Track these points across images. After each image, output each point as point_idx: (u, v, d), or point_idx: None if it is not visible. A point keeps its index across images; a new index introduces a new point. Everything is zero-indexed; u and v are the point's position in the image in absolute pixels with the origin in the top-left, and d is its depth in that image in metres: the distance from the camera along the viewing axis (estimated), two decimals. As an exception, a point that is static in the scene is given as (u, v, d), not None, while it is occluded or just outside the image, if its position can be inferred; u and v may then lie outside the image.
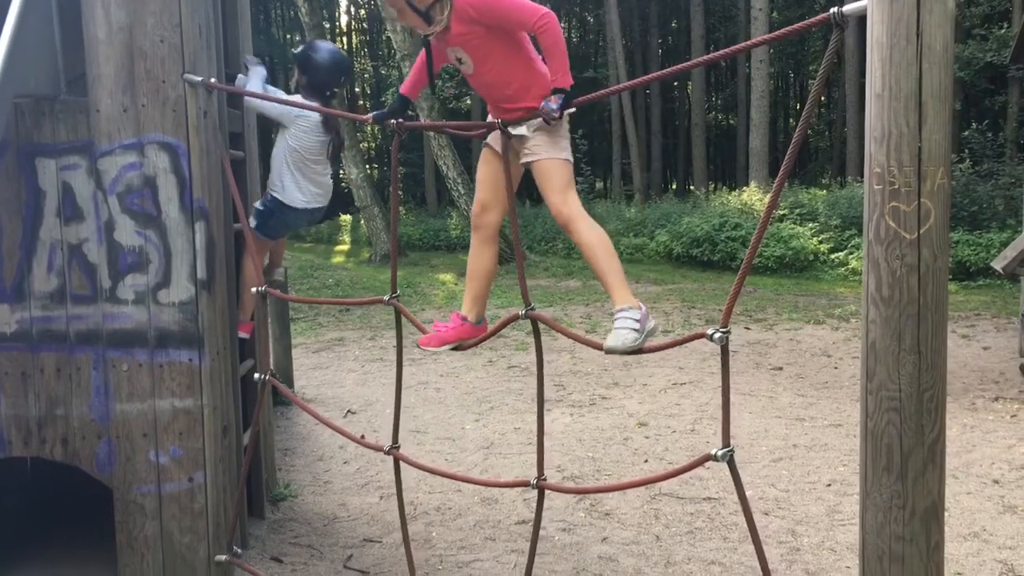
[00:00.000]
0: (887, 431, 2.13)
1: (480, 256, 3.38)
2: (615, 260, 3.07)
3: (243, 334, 4.34)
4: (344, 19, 38.15)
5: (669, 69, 2.94)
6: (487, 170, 3.31)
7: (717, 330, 2.46)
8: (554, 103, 2.96)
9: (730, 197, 19.87)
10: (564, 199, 3.08)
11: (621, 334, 2.90)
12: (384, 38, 35.48)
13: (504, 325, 3.13)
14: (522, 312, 3.11)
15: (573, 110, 3.09)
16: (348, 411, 7.10)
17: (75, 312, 3.63)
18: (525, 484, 3.12)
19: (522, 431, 6.43)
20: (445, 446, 6.15)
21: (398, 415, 3.52)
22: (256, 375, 3.76)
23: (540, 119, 3.03)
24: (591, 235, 3.06)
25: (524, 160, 3.15)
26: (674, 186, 33.52)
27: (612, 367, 8.43)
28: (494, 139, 3.27)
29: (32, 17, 3.37)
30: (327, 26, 28.54)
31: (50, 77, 3.57)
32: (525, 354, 9.17)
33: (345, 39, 37.66)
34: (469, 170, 20.17)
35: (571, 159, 3.17)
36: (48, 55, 3.55)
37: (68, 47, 3.69)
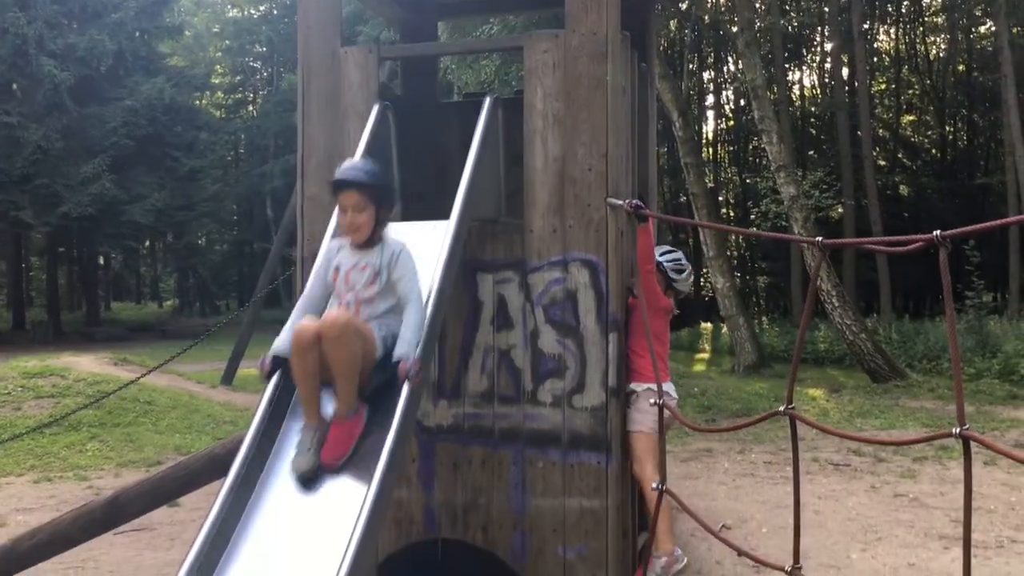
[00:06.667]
0: None
1: None
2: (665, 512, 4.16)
3: None
4: (710, 130, 39.05)
5: None
6: None
7: None
8: None
9: None
10: None
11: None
12: (750, 148, 35.63)
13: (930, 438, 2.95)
14: (956, 431, 2.93)
15: None
16: (723, 526, 6.98)
17: (500, 411, 4.03)
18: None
19: (917, 567, 5.88)
20: (830, 574, 5.81)
21: (798, 534, 3.41)
22: (653, 484, 3.89)
23: None
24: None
25: None
26: (1084, 301, 29.25)
27: (1020, 505, 7.46)
28: None
29: (486, 153, 3.91)
30: (696, 139, 29.29)
31: (494, 203, 4.10)
32: (912, 482, 8.43)
33: (711, 149, 38.43)
34: (844, 281, 19.32)
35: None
36: (494, 184, 4.09)
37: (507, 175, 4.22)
